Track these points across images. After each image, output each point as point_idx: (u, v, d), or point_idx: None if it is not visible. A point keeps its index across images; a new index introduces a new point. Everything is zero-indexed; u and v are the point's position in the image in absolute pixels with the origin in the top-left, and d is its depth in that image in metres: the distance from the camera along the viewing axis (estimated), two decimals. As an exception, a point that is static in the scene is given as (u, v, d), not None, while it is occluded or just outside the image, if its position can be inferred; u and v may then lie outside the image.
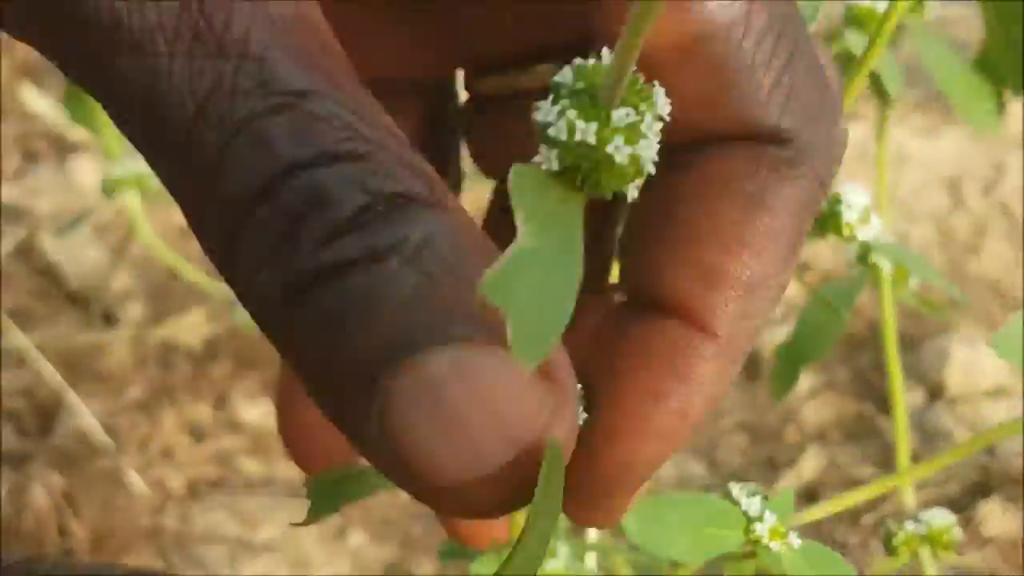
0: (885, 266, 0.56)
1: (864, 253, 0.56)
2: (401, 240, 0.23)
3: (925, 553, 0.56)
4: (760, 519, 0.42)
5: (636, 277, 0.31)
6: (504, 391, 0.23)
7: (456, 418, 0.23)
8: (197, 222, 0.25)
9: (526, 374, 0.23)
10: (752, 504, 0.42)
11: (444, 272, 0.23)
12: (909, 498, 0.58)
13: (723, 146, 0.29)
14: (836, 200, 0.55)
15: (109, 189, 0.78)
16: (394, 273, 0.23)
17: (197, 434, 0.82)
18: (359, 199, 0.23)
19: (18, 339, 0.77)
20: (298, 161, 0.23)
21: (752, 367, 0.86)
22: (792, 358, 0.56)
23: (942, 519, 0.56)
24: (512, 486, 0.24)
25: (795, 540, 0.44)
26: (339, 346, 0.23)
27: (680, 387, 0.29)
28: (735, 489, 0.43)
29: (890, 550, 0.57)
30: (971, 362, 0.82)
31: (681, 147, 0.29)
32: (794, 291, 0.90)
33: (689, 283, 0.29)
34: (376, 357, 0.23)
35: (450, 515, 0.31)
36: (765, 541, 0.43)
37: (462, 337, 0.23)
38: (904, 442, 0.61)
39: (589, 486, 0.30)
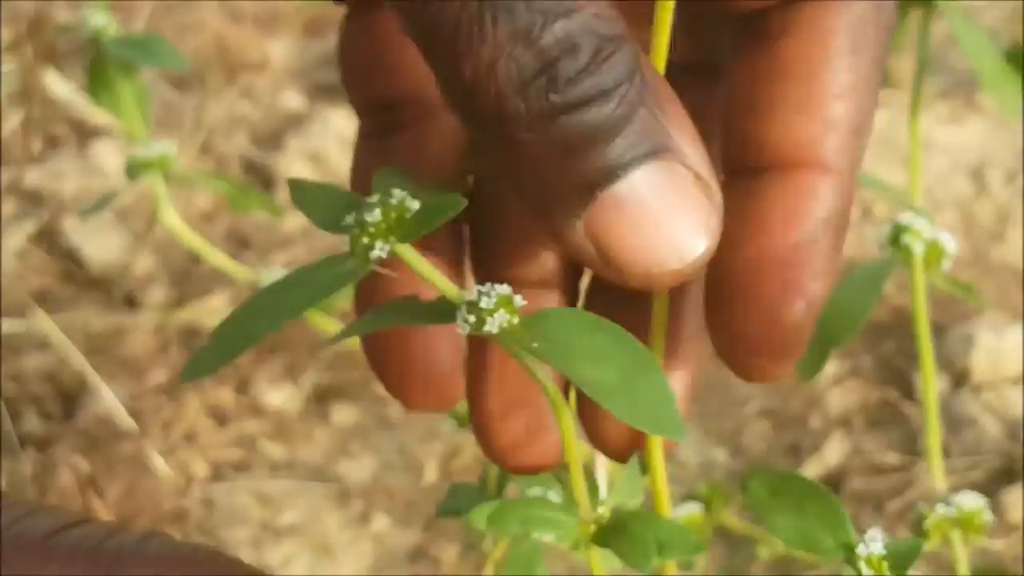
0: (917, 248, 0.55)
1: (896, 235, 0.56)
2: (619, 78, 0.30)
3: (956, 536, 0.56)
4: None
5: (746, 144, 0.35)
6: (686, 200, 0.31)
7: (649, 220, 0.31)
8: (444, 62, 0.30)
9: (701, 188, 0.31)
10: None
11: (648, 103, 0.30)
12: (940, 481, 0.57)
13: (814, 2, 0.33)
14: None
15: (133, 171, 0.78)
16: (614, 107, 0.30)
17: (220, 418, 0.82)
18: (594, 44, 0.30)
19: (42, 322, 0.77)
20: (553, 11, 0.29)
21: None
22: (820, 342, 0.56)
23: (972, 502, 0.56)
24: (687, 274, 0.31)
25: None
26: (566, 164, 0.30)
27: (812, 224, 0.34)
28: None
29: (920, 533, 0.57)
30: (996, 349, 0.81)
31: (776, 7, 0.34)
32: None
33: (808, 130, 0.33)
34: (594, 173, 0.30)
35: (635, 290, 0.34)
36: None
37: (656, 156, 0.31)
38: (934, 426, 0.60)
39: (754, 329, 0.35)
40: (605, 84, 0.30)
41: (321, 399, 0.84)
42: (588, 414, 0.39)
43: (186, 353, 0.86)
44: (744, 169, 0.35)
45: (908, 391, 0.83)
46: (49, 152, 1.01)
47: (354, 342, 0.84)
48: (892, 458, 0.79)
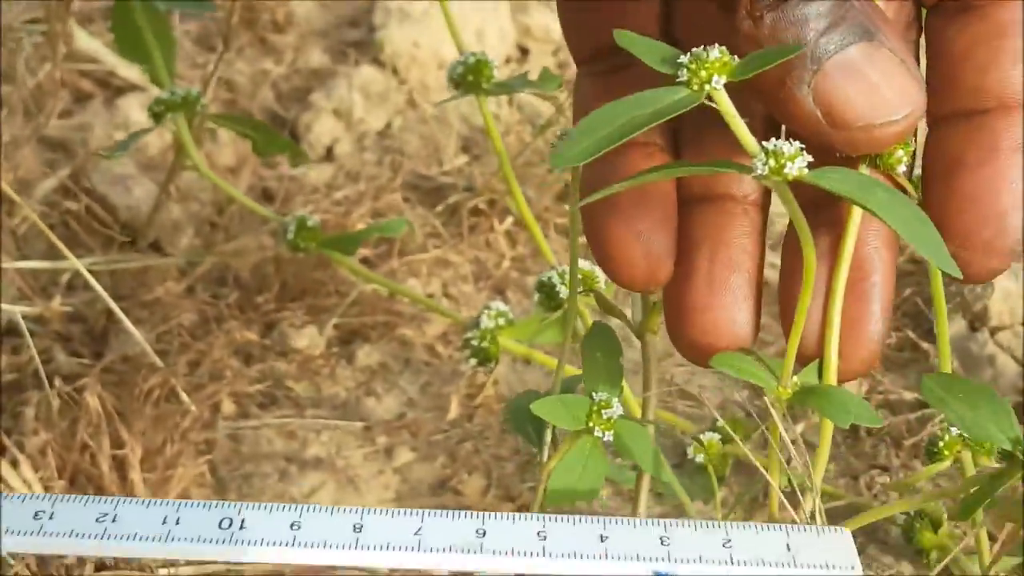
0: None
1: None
2: None
3: (967, 457, 0.57)
4: None
5: (969, 90, 0.42)
6: (895, 72, 0.40)
7: (868, 84, 0.39)
8: None
9: (905, 67, 0.40)
10: None
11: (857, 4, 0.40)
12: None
13: None
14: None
15: (157, 114, 0.79)
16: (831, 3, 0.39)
17: (246, 358, 0.83)
18: None
19: (71, 263, 0.78)
20: None
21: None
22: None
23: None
24: (901, 131, 0.40)
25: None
26: (801, 39, 0.39)
27: None
28: None
29: (933, 456, 0.58)
30: (1013, 291, 0.82)
31: None
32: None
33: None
34: (820, 48, 0.39)
35: (855, 151, 0.41)
36: None
37: (867, 39, 0.40)
38: (946, 357, 0.61)
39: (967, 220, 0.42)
40: None
41: (345, 342, 0.85)
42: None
43: (212, 298, 0.87)
44: (963, 111, 0.42)
45: (927, 334, 0.84)
46: (76, 107, 1.02)
47: (378, 287, 0.85)
48: (909, 397, 0.79)
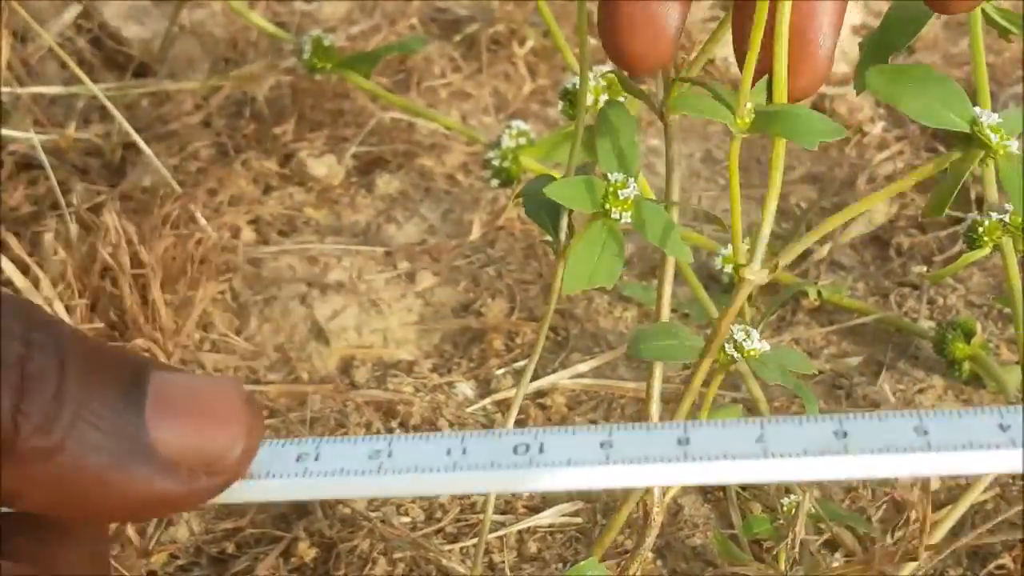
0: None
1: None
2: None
3: (1008, 244, 0.56)
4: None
5: None
6: None
7: None
8: None
9: None
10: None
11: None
12: (992, 192, 0.57)
13: None
14: None
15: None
16: None
17: (265, 187, 0.82)
18: None
19: (88, 89, 0.77)
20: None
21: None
22: (879, 48, 0.55)
23: (1027, 208, 0.55)
24: None
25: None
26: None
27: None
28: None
29: (972, 243, 0.56)
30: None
31: None
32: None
33: None
34: None
35: None
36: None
37: None
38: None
39: None
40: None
41: (365, 171, 0.84)
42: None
43: (230, 128, 0.85)
44: None
45: (956, 155, 0.82)
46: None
47: (398, 115, 0.84)
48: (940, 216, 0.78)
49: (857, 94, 0.61)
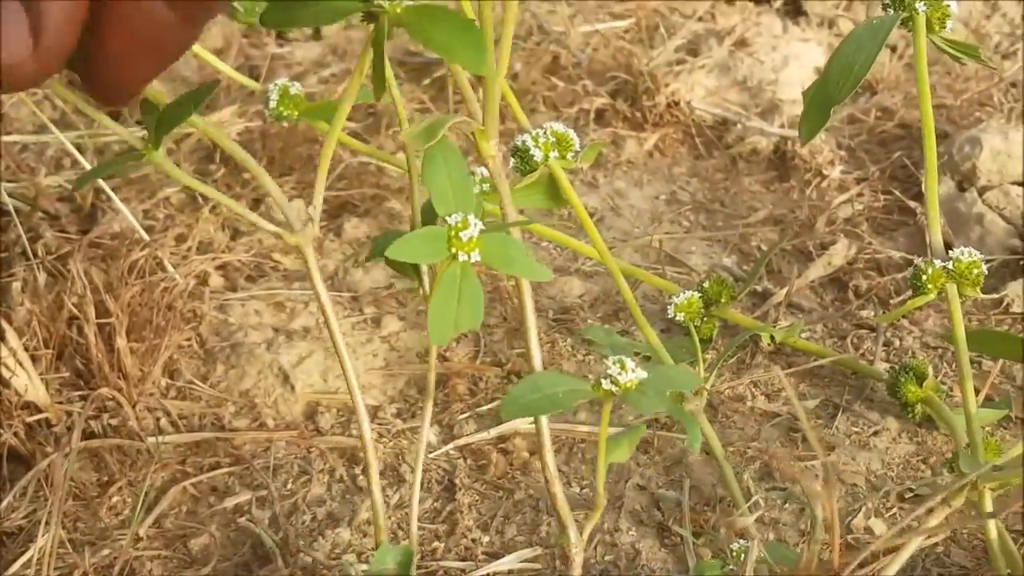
0: (920, 6, 0.55)
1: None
2: None
3: (952, 290, 0.57)
4: None
5: None
6: None
7: None
8: None
9: None
10: None
11: None
12: (937, 239, 0.57)
13: None
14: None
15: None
16: None
17: (233, 233, 0.83)
18: None
19: (58, 137, 0.78)
20: None
21: (783, 168, 0.86)
22: (821, 100, 0.56)
23: (969, 255, 0.56)
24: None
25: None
26: None
27: None
28: None
29: (917, 289, 0.57)
30: (1002, 151, 0.81)
31: None
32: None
33: None
34: None
35: None
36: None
37: None
38: (935, 217, 0.60)
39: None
40: None
41: (334, 215, 0.85)
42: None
43: (199, 174, 0.86)
44: None
45: (915, 196, 0.84)
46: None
47: (370, 161, 0.85)
48: (897, 257, 0.79)
49: (802, 145, 0.63)
